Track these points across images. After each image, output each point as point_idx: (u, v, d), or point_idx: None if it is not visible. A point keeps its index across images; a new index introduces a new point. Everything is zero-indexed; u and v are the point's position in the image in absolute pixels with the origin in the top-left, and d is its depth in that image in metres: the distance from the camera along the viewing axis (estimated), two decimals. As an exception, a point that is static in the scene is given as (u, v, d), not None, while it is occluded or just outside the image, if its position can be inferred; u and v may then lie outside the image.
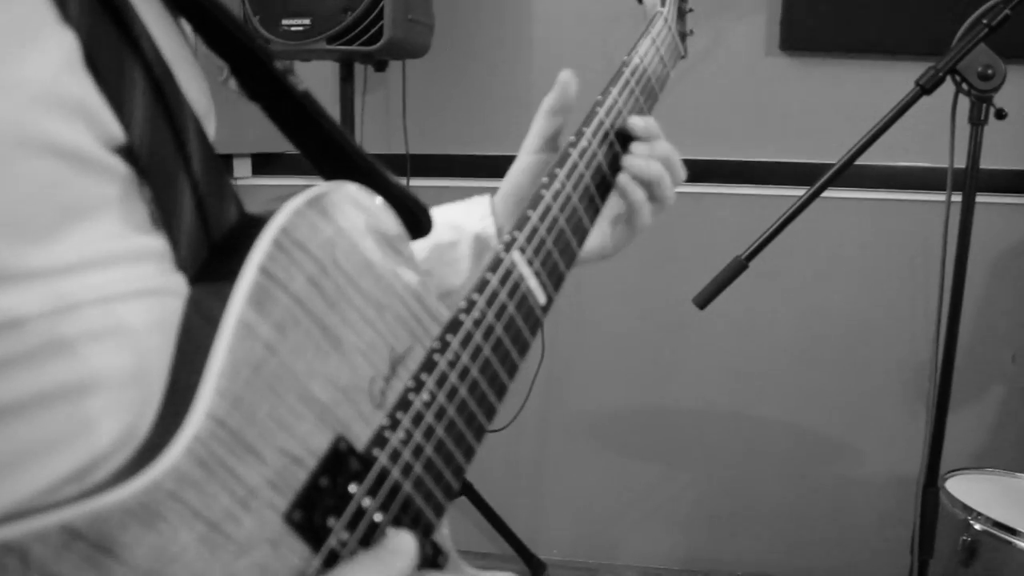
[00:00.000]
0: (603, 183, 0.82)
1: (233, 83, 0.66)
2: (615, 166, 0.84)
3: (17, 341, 0.47)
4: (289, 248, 0.53)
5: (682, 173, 0.88)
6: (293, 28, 2.17)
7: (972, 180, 1.58)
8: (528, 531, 2.65)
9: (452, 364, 0.63)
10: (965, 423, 2.29)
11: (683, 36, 1.07)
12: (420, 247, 0.82)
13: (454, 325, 0.64)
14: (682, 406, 2.61)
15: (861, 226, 2.42)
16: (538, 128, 0.91)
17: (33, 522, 0.43)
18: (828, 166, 1.59)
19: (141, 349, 0.51)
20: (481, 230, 0.90)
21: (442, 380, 0.62)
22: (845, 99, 2.35)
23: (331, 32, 2.15)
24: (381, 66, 2.49)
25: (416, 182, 2.57)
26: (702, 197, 2.49)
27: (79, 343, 0.49)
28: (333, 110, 2.46)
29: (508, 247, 0.69)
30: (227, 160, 2.62)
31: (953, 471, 1.86)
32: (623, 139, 0.85)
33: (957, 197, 1.59)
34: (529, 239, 0.71)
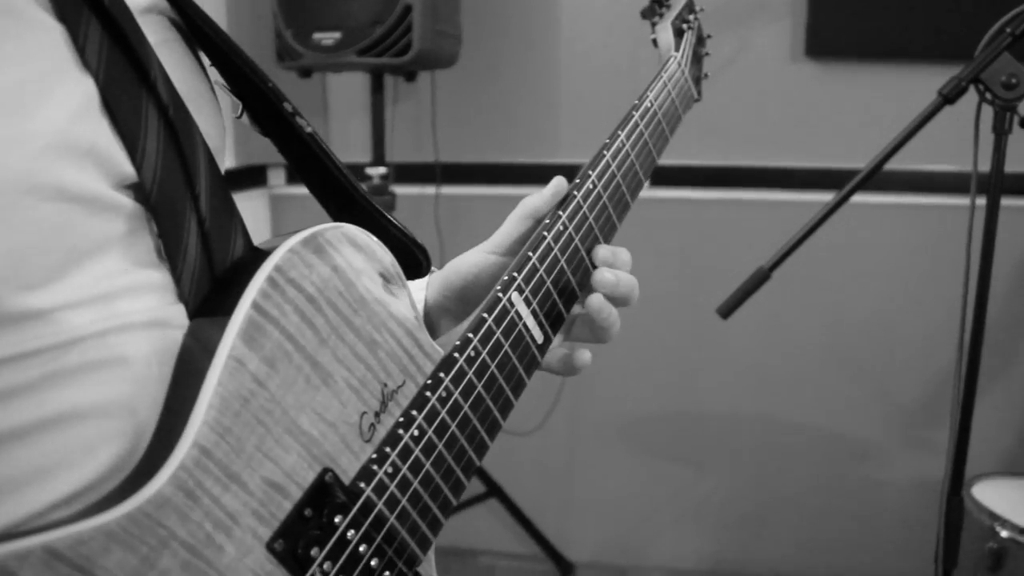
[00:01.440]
0: (608, 222, 0.82)
1: (246, 119, 0.68)
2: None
3: (20, 374, 0.49)
4: (283, 285, 0.55)
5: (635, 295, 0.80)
6: (324, 41, 2.20)
7: (997, 186, 1.56)
8: (557, 532, 2.67)
9: (443, 401, 0.64)
10: (991, 427, 2.27)
11: (698, 80, 1.08)
12: None
13: (447, 363, 0.65)
14: (710, 409, 2.60)
15: (884, 230, 2.41)
16: (509, 229, 0.79)
17: (17, 544, 0.44)
18: (852, 171, 1.58)
19: (139, 379, 0.53)
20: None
21: (432, 416, 0.63)
22: (870, 105, 2.34)
23: (361, 45, 2.18)
24: (411, 77, 2.52)
25: (445, 190, 2.60)
26: (727, 203, 2.49)
27: (79, 374, 0.51)
28: (364, 120, 2.49)
29: (506, 288, 0.70)
30: (261, 170, 2.66)
31: (979, 476, 1.84)
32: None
33: (981, 201, 1.58)
34: (528, 279, 0.72)
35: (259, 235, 0.59)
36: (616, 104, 2.44)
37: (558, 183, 0.77)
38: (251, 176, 2.60)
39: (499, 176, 2.60)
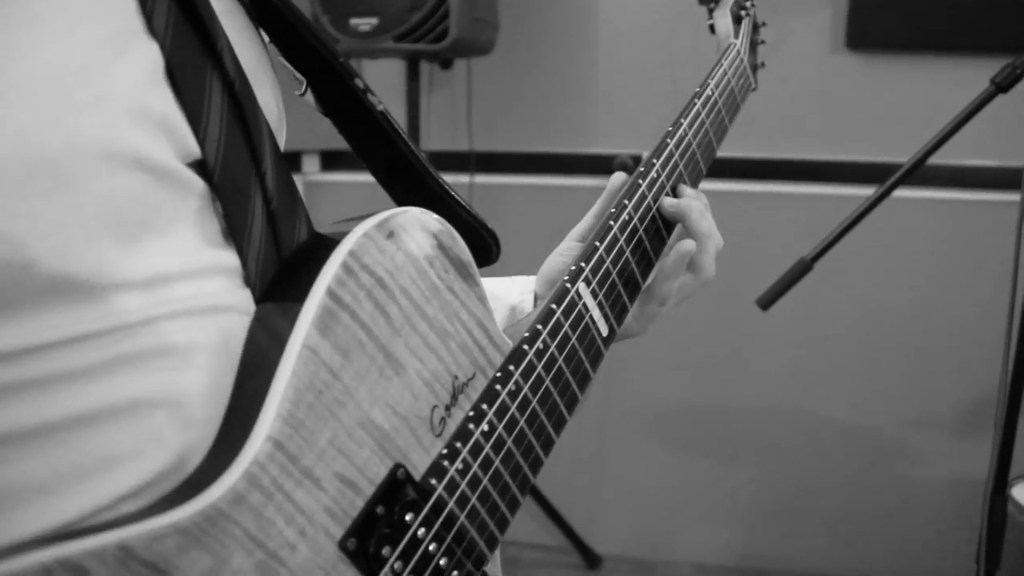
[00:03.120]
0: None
1: (310, 97, 0.65)
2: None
3: (88, 354, 0.47)
4: (357, 272, 0.52)
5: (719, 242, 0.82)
6: (361, 27, 2.18)
7: None
8: (586, 524, 2.64)
9: (513, 395, 0.62)
10: None
11: (755, 68, 1.05)
12: None
13: (517, 355, 0.63)
14: (742, 403, 2.57)
15: (929, 226, 2.37)
16: (586, 223, 0.86)
17: (91, 540, 0.42)
18: (894, 165, 1.55)
19: (208, 367, 0.51)
20: (519, 303, 0.86)
21: (503, 411, 0.61)
22: (910, 98, 2.29)
23: (398, 31, 2.16)
24: (447, 64, 2.50)
25: (480, 179, 2.57)
26: (766, 196, 2.45)
27: (150, 358, 0.49)
28: (400, 107, 2.47)
29: (574, 278, 0.68)
30: (295, 157, 2.64)
31: (1020, 477, 1.81)
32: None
33: None
34: (595, 270, 0.70)
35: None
36: (652, 94, 2.43)
37: (618, 182, 0.81)
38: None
39: (534, 165, 2.58)
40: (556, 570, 2.61)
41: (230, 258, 0.53)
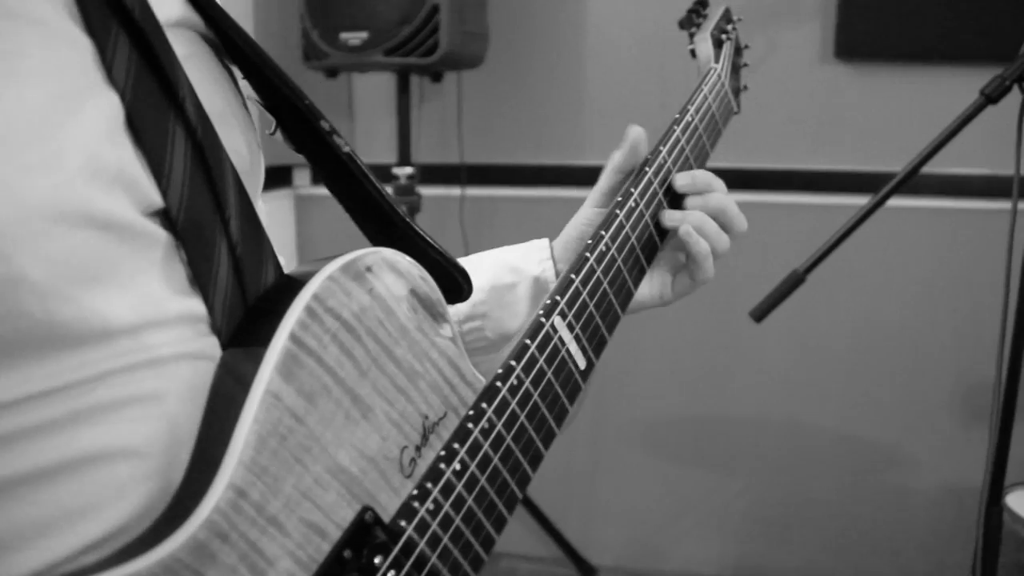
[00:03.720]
0: (650, 243, 0.80)
1: (280, 136, 0.65)
2: (663, 227, 0.82)
3: (54, 408, 0.46)
4: (321, 315, 0.52)
5: (741, 222, 0.85)
6: (351, 41, 2.18)
7: None
8: (580, 536, 2.64)
9: (486, 432, 0.61)
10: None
11: (737, 92, 1.04)
12: (479, 287, 0.81)
13: (490, 392, 0.62)
14: (735, 414, 2.57)
15: (920, 235, 2.37)
16: (603, 184, 0.87)
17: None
18: (885, 174, 1.54)
19: (173, 415, 0.50)
20: (540, 273, 0.86)
21: (475, 449, 0.60)
22: (903, 107, 2.29)
23: (389, 45, 2.16)
24: (437, 77, 2.49)
25: (471, 191, 2.57)
26: (757, 206, 2.45)
27: (115, 409, 0.48)
28: (390, 121, 2.47)
29: (549, 312, 0.67)
30: (286, 171, 2.64)
31: (1013, 485, 1.80)
32: (674, 196, 0.83)
33: (1023, 205, 1.53)
34: (571, 303, 0.69)
35: (284, 236, 0.57)
36: (643, 105, 2.42)
37: (633, 133, 0.84)
38: (276, 176, 2.58)
39: (525, 178, 2.58)
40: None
41: (196, 305, 0.53)
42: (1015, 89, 1.49)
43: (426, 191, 2.43)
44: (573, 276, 0.70)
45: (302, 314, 0.51)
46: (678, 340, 2.53)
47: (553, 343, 0.67)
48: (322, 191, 2.25)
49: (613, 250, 0.74)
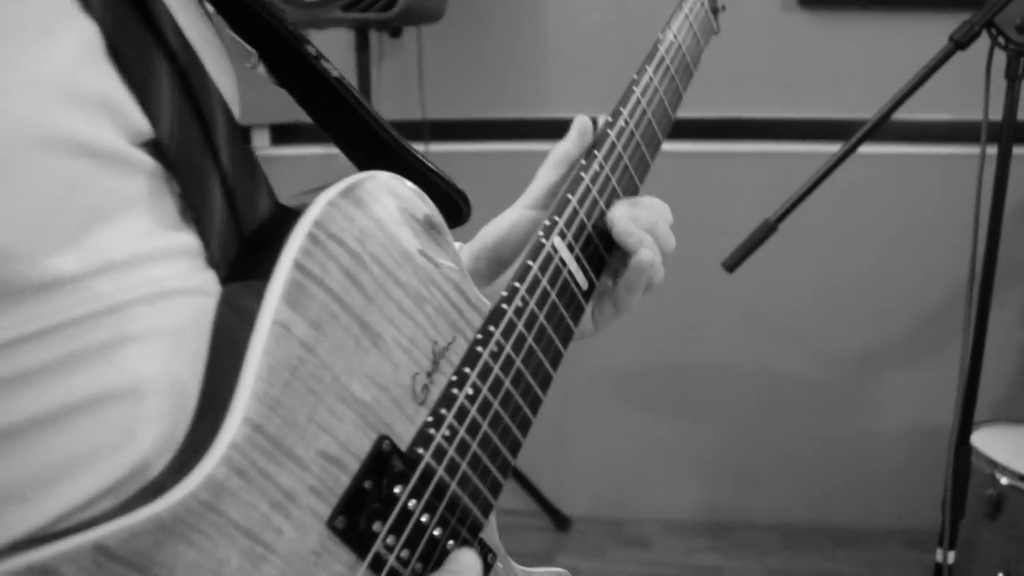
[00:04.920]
0: (642, 161, 0.78)
1: (262, 69, 0.62)
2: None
3: (44, 352, 0.44)
4: (324, 241, 0.50)
5: (670, 240, 0.74)
6: (308, -3, 2.13)
7: (1009, 134, 1.52)
8: (553, 487, 2.65)
9: (495, 356, 0.60)
10: (991, 374, 2.27)
11: (715, 11, 1.02)
12: None
13: (496, 315, 0.61)
14: (704, 361, 2.58)
15: (888, 181, 2.37)
16: (541, 181, 0.76)
17: (65, 543, 0.40)
18: (854, 121, 1.55)
19: (176, 352, 0.48)
20: None
21: (486, 373, 0.59)
22: (865, 54, 2.29)
23: (346, 0, 2.11)
24: (396, 32, 2.45)
25: (435, 147, 2.54)
26: (723, 156, 2.45)
27: (114, 348, 0.46)
28: (350, 78, 2.42)
29: (548, 232, 0.66)
30: (245, 132, 2.59)
31: (978, 423, 1.83)
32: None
33: (992, 150, 1.54)
34: (569, 223, 0.68)
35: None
36: (607, 55, 2.40)
37: (582, 123, 0.74)
38: (234, 140, 2.53)
39: (489, 132, 2.54)
40: (526, 533, 2.61)
41: (190, 239, 0.51)
42: (983, 34, 1.48)
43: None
44: (570, 196, 0.69)
45: (305, 241, 0.49)
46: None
47: (555, 263, 0.66)
48: (283, 151, 2.18)
49: (607, 169, 0.73)
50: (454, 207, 0.64)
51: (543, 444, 2.68)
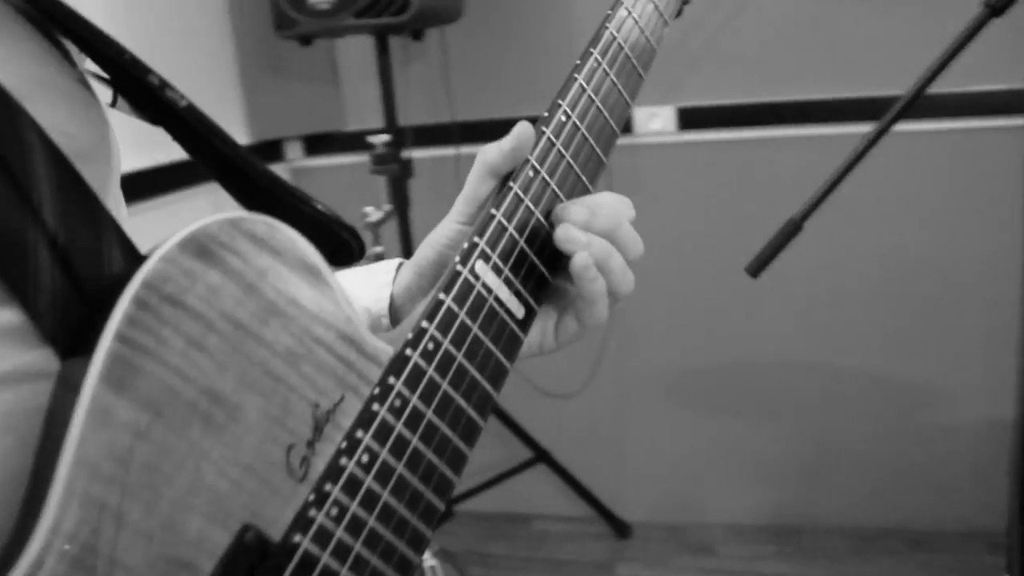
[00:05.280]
0: (592, 158, 0.67)
1: (124, 105, 0.56)
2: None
3: None
4: (156, 306, 0.43)
5: (637, 246, 0.63)
6: (320, 6, 2.08)
7: None
8: (611, 493, 2.57)
9: (397, 412, 0.52)
10: None
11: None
12: None
13: (397, 363, 0.53)
14: (761, 358, 2.46)
15: (935, 159, 2.22)
16: (470, 192, 0.65)
17: None
18: (890, 98, 1.42)
19: (4, 442, 0.42)
20: (373, 303, 0.69)
21: (384, 433, 0.51)
22: (901, 25, 2.14)
23: (358, 6, 2.05)
24: (418, 35, 2.39)
25: (466, 150, 2.47)
26: (767, 141, 2.33)
27: None
28: (376, 84, 2.36)
29: (466, 258, 0.57)
30: (277, 145, 2.55)
31: None
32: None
33: None
34: (495, 242, 0.59)
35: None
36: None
37: (521, 130, 0.62)
38: (267, 151, 2.50)
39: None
40: (585, 542, 2.53)
41: (11, 316, 0.44)
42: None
43: (420, 154, 2.34)
44: (493, 211, 0.59)
45: (130, 307, 0.42)
46: (696, 284, 2.43)
47: (476, 293, 0.57)
48: (318, 162, 2.12)
49: (543, 173, 0.63)
50: (341, 245, 0.57)
51: (599, 449, 2.60)
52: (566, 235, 0.59)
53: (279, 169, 2.55)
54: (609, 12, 0.71)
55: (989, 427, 2.29)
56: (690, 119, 2.37)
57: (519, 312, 0.60)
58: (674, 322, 2.47)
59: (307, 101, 2.58)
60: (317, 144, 2.59)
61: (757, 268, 1.43)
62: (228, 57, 2.36)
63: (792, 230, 1.40)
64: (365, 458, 0.50)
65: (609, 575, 2.38)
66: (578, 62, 0.67)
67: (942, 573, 2.27)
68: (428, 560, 1.87)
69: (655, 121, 2.37)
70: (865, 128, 1.49)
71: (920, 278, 2.29)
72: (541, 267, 0.61)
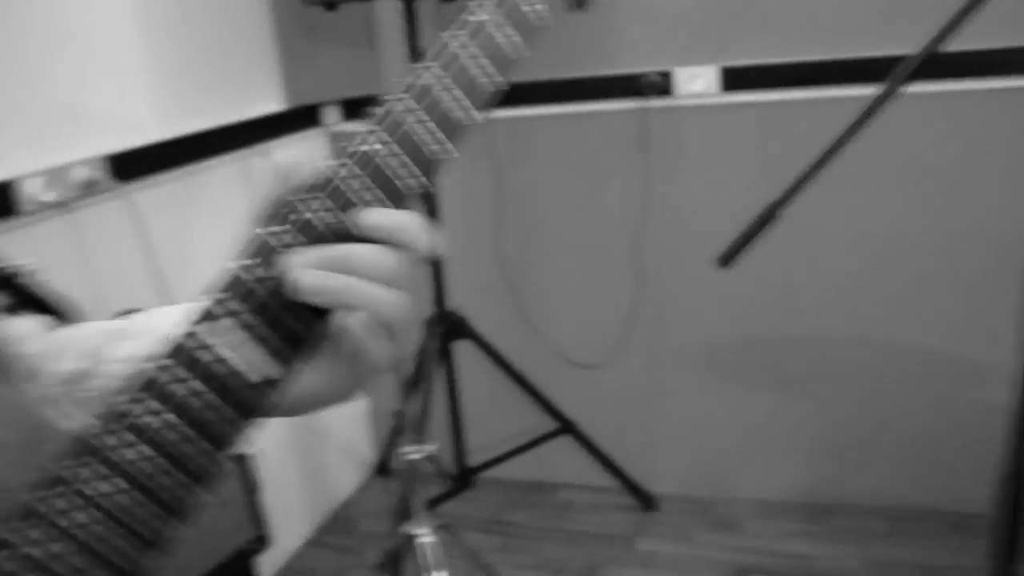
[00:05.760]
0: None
1: None
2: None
3: None
4: None
5: (423, 241, 0.52)
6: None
7: None
8: (639, 465, 2.54)
9: (83, 505, 0.49)
10: None
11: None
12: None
13: (82, 451, 0.50)
14: (797, 332, 2.38)
15: (953, 122, 2.09)
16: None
17: None
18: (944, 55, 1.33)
19: None
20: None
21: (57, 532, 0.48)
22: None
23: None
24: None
25: (503, 113, 2.42)
26: (813, 103, 2.21)
27: None
28: (400, 51, 2.33)
29: (195, 321, 0.50)
30: (313, 110, 2.55)
31: None
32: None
33: None
34: (221, 305, 0.51)
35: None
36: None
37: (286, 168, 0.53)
38: (304, 117, 2.50)
39: (556, 94, 2.40)
40: (610, 513, 2.51)
41: None
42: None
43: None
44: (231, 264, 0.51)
45: None
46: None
47: (198, 356, 0.50)
48: (357, 127, 2.02)
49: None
50: (52, 309, 0.54)
51: (627, 421, 2.57)
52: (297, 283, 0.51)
53: (317, 134, 2.56)
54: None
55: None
56: (734, 79, 2.27)
57: (254, 373, 0.53)
58: (708, 292, 2.40)
59: (344, 66, 2.57)
60: (355, 108, 2.59)
61: (728, 259, 1.36)
62: (263, 24, 2.36)
63: (767, 217, 1.33)
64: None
65: (629, 548, 2.36)
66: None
67: (981, 559, 2.17)
68: (426, 536, 1.88)
69: (697, 83, 2.28)
70: (917, 88, 1.39)
71: (952, 248, 2.18)
72: (289, 319, 0.53)
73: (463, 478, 2.44)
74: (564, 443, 2.48)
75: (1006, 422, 2.16)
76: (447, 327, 2.34)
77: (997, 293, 2.17)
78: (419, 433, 2.18)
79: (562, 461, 2.58)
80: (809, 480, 2.45)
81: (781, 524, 2.39)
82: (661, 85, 2.27)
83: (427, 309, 2.35)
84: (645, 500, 2.50)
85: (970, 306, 2.20)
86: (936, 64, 1.30)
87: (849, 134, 1.27)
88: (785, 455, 2.46)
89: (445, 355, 2.37)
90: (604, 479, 2.55)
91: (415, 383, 2.29)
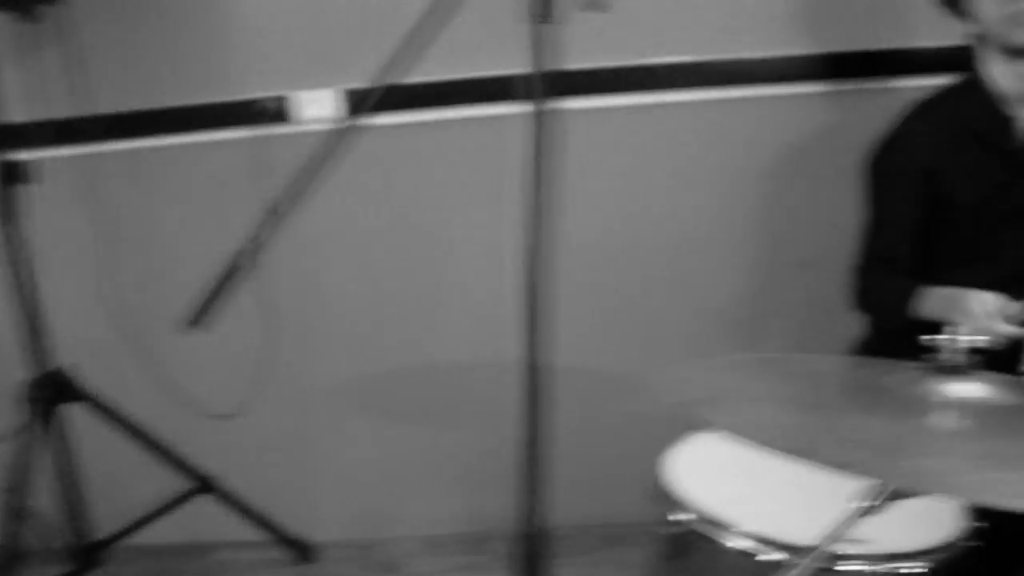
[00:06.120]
0: None
1: None
2: None
3: None
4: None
5: None
6: None
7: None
8: (298, 514, 2.40)
9: None
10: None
11: None
12: None
13: None
14: (439, 360, 2.34)
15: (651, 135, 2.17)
16: None
17: None
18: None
19: None
20: None
21: None
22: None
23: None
24: (27, 14, 2.07)
25: (109, 147, 2.18)
26: (409, 127, 2.16)
27: None
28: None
29: None
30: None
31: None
32: None
33: None
34: None
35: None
36: (298, 26, 1.93)
37: None
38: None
39: (173, 124, 2.20)
40: (269, 569, 2.35)
41: None
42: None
43: (58, 152, 2.08)
44: None
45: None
46: (368, 288, 2.26)
47: None
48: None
49: None
50: None
51: (278, 468, 2.41)
52: None
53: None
54: None
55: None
56: (360, 103, 2.16)
57: None
58: (345, 329, 2.30)
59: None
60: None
61: (198, 317, 1.26)
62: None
63: (234, 270, 1.24)
64: None
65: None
66: None
67: (637, 570, 2.21)
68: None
69: (313, 107, 2.15)
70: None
71: (594, 265, 2.23)
72: None
73: (87, 554, 2.17)
74: (211, 499, 2.28)
75: (654, 431, 2.21)
76: (51, 390, 2.06)
77: (621, 305, 2.23)
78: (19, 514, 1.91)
79: (212, 519, 2.37)
80: (468, 510, 2.41)
81: (445, 559, 2.33)
82: (276, 111, 2.13)
83: (24, 372, 2.07)
84: (301, 550, 2.35)
85: (597, 321, 2.25)
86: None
87: (311, 172, 1.21)
88: (442, 488, 2.41)
89: (50, 421, 2.09)
90: (250, 534, 2.37)
91: (19, 458, 2.00)
